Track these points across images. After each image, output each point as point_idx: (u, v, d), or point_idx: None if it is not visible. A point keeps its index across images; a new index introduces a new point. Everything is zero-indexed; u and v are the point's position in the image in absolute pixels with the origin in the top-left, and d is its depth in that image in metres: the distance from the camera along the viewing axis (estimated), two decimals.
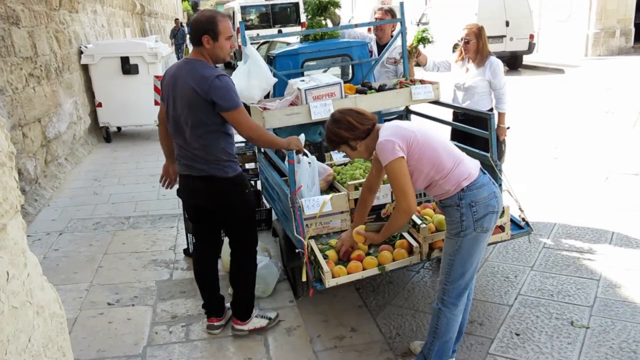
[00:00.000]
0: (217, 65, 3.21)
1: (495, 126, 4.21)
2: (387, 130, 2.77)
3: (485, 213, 2.75)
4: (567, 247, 4.62)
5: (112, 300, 3.92)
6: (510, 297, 3.91)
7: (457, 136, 4.64)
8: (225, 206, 3.29)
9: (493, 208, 2.77)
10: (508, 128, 4.87)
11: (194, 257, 3.67)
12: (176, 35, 22.32)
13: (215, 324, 3.54)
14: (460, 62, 4.85)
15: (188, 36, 24.15)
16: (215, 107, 3.02)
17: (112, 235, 5.10)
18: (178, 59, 19.92)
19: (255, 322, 3.50)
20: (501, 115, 4.81)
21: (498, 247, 4.61)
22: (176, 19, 24.59)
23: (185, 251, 4.59)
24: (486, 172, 2.87)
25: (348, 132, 2.80)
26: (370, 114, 2.88)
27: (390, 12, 5.19)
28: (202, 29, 3.05)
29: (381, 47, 5.07)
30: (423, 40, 4.72)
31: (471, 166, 2.80)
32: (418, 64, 4.92)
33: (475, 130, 4.06)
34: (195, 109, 3.07)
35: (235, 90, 3.08)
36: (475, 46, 4.65)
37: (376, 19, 5.16)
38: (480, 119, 4.12)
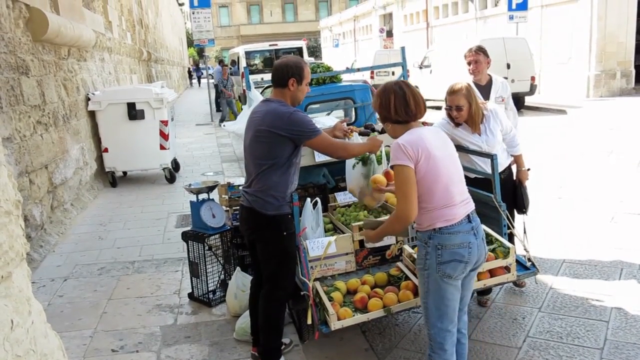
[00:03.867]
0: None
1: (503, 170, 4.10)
2: (411, 135, 2.70)
3: (450, 259, 2.67)
4: (574, 288, 4.57)
5: (116, 346, 3.88)
6: (519, 340, 3.86)
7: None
8: (259, 241, 3.31)
9: (461, 257, 2.68)
10: (528, 170, 4.45)
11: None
12: (225, 86, 16.82)
13: (256, 353, 3.50)
14: (462, 128, 4.01)
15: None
16: (299, 139, 3.16)
17: (117, 280, 5.08)
18: (234, 112, 16.55)
19: None
20: (519, 158, 4.37)
21: (505, 288, 4.57)
22: (223, 62, 18.83)
23: (190, 295, 4.56)
24: (474, 220, 2.77)
25: (381, 107, 2.79)
26: (419, 109, 2.75)
27: (482, 50, 4.60)
28: (290, 72, 3.20)
29: (481, 88, 4.58)
30: None
31: (459, 213, 2.72)
32: None
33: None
34: (259, 140, 3.18)
35: (311, 120, 3.25)
36: (467, 111, 3.87)
37: (469, 62, 4.63)
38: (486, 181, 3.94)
